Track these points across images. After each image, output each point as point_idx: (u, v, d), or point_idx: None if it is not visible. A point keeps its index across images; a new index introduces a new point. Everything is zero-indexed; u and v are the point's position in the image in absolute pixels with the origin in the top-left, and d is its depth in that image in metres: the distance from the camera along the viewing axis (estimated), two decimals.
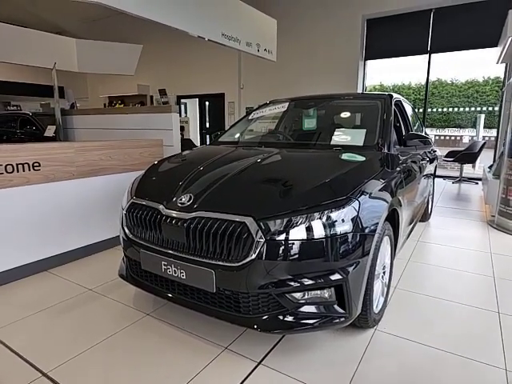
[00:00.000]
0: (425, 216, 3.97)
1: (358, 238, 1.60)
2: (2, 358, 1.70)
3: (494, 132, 7.68)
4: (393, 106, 2.67)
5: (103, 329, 1.93)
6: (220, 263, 1.58)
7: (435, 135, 13.89)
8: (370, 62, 7.85)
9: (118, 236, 2.12)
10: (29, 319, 2.03)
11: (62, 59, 5.99)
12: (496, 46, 6.10)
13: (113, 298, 2.27)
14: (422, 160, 3.08)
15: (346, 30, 7.42)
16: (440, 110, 14.58)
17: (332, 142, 2.48)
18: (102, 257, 3.00)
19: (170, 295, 1.84)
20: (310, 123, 3.01)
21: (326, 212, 1.56)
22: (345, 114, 3.01)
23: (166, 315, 2.06)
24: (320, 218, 1.55)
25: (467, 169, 7.88)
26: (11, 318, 2.04)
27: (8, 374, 1.59)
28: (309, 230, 1.53)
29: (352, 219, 1.59)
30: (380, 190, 1.86)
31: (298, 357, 1.71)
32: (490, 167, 5.59)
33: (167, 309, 2.13)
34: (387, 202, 1.86)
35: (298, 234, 1.53)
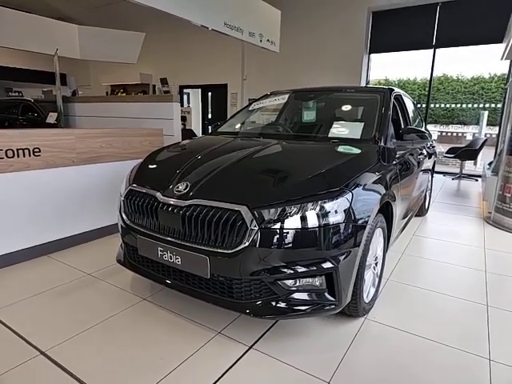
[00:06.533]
0: (422, 211, 4.00)
1: (349, 229, 1.63)
2: (1, 336, 1.75)
3: (497, 129, 7.65)
4: (392, 100, 2.67)
5: (101, 311, 1.99)
6: (214, 250, 1.62)
7: (439, 131, 13.81)
8: (375, 56, 7.79)
9: (117, 223, 2.16)
10: (29, 300, 2.09)
11: (64, 46, 5.97)
12: (501, 43, 6.05)
13: (110, 283, 2.32)
14: (419, 154, 3.09)
15: (351, 22, 7.35)
16: (443, 105, 14.45)
17: (330, 135, 2.50)
18: (100, 243, 3.05)
19: (165, 280, 1.88)
20: (309, 115, 3.02)
21: (319, 202, 1.59)
22: (344, 107, 3.01)
23: (162, 300, 2.11)
24: (313, 209, 1.58)
25: (469, 166, 7.87)
26: (11, 299, 2.09)
27: (7, 351, 1.65)
28: (302, 219, 1.56)
29: (344, 210, 1.63)
30: (374, 183, 1.88)
31: (288, 342, 1.76)
32: (490, 164, 5.60)
33: (163, 294, 2.18)
34: (380, 195, 1.89)
35: (290, 223, 1.56)
